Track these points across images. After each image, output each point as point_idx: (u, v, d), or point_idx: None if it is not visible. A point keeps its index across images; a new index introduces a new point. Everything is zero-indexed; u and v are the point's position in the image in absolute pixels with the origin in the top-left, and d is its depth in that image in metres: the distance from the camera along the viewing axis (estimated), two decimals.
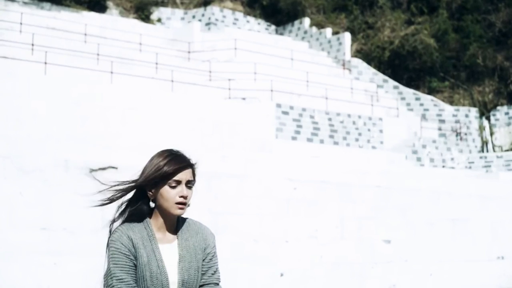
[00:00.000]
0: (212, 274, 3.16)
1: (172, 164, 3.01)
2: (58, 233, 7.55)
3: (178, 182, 3.02)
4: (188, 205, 3.07)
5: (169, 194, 3.01)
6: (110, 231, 3.07)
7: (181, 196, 3.01)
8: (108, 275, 2.97)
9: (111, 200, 3.09)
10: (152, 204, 3.11)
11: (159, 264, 2.99)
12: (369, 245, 11.04)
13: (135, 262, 2.98)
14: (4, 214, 7.45)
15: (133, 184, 3.07)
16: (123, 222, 3.08)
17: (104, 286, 3.02)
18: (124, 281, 2.93)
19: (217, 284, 3.17)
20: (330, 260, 10.43)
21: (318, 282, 10.27)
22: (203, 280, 3.13)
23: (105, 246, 3.05)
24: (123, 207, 3.11)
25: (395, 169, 15.33)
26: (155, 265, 2.99)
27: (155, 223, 3.07)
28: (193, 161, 3.12)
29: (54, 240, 7.50)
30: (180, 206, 3.03)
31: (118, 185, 3.08)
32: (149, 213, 3.10)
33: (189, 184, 3.06)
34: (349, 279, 10.67)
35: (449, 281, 12.08)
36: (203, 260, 3.14)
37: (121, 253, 2.96)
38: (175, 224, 3.11)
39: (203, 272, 3.13)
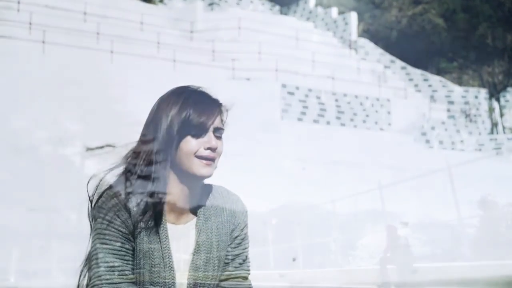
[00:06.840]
0: (240, 264, 2.14)
1: (193, 104, 1.98)
2: (47, 215, 7.05)
3: (203, 128, 1.96)
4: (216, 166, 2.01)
5: (190, 146, 1.95)
6: (96, 188, 2.01)
7: (208, 148, 1.96)
8: (92, 259, 1.95)
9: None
10: None
11: (164, 253, 1.97)
12: (384, 227, 10.64)
13: (133, 245, 1.95)
14: None
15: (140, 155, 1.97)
16: (119, 181, 1.99)
17: (84, 269, 2.01)
18: (117, 269, 1.93)
19: (246, 278, 2.15)
20: (345, 244, 10.03)
21: (333, 267, 9.86)
22: (227, 273, 2.10)
23: (88, 213, 2.03)
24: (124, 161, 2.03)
25: (406, 150, 14.91)
26: (159, 255, 1.96)
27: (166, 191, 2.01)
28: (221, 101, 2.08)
29: (42, 222, 7.01)
30: (207, 162, 1.96)
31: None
32: None
33: (217, 133, 1.99)
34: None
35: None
36: (229, 245, 2.12)
37: (114, 228, 1.93)
38: (197, 195, 2.03)
39: (227, 261, 2.11)
